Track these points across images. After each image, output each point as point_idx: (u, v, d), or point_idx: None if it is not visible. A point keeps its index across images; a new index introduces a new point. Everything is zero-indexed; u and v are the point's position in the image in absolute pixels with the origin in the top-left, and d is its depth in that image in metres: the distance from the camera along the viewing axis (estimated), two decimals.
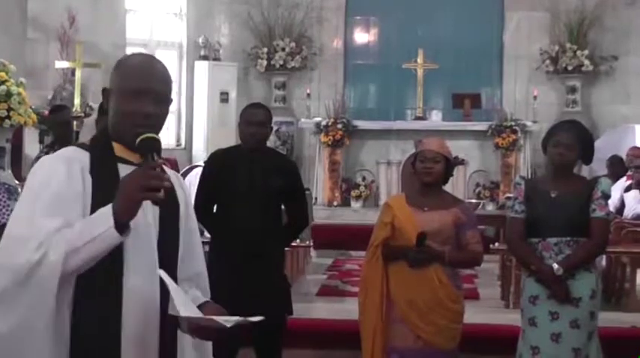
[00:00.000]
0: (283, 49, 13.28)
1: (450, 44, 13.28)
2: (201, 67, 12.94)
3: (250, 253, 4.64)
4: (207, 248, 4.47)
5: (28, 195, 2.36)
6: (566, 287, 4.31)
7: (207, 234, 5.00)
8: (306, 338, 6.04)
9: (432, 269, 4.39)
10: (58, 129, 7.16)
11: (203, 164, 5.69)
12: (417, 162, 4.53)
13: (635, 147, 9.70)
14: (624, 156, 9.47)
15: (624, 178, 8.78)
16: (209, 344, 2.59)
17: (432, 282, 4.39)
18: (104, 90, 2.50)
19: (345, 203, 12.32)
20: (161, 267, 2.37)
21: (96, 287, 2.29)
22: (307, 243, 8.36)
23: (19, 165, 8.88)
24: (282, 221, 4.98)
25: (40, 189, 2.32)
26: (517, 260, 5.56)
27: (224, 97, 12.89)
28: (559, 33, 13.09)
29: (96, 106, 8.99)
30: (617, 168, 9.33)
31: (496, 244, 7.72)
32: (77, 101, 10.22)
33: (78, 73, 10.41)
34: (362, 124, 12.48)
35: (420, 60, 12.62)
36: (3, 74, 7.05)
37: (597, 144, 5.20)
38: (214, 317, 2.30)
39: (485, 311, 6.96)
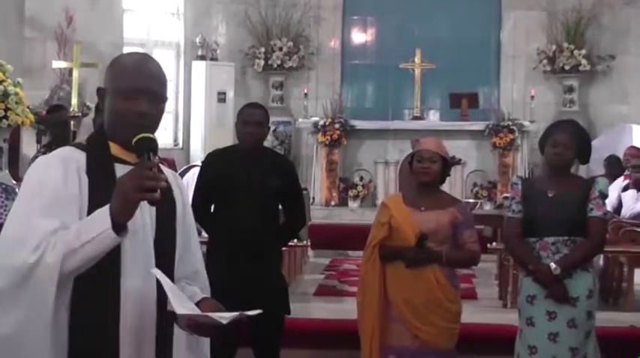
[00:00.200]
0: (281, 49, 13.27)
1: (447, 44, 13.27)
2: (199, 67, 12.93)
3: (248, 253, 4.64)
4: (204, 248, 4.47)
5: (25, 195, 2.35)
6: (564, 286, 4.32)
7: (204, 234, 5.00)
8: (303, 338, 6.04)
9: (429, 269, 4.39)
10: (55, 129, 7.16)
11: (200, 164, 5.68)
12: (414, 162, 4.53)
13: (633, 147, 9.71)
14: (622, 156, 9.47)
15: (622, 178, 8.79)
16: (207, 345, 2.59)
17: (429, 282, 4.39)
18: (99, 90, 2.49)
19: (343, 203, 12.31)
20: (158, 266, 2.36)
21: (94, 288, 2.29)
22: (305, 242, 8.36)
23: (16, 166, 8.87)
24: (280, 221, 4.98)
25: (37, 189, 2.32)
26: (514, 259, 5.56)
27: (221, 97, 12.89)
28: (556, 32, 13.09)
29: (93, 106, 9.00)
30: (614, 167, 9.33)
31: (494, 244, 7.72)
32: (74, 101, 10.19)
33: (75, 73, 10.39)
34: (359, 124, 12.47)
35: (417, 59, 12.62)
36: (0, 74, 7.04)
37: (595, 143, 5.20)
38: (210, 314, 2.30)
39: (482, 311, 6.97)
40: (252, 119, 4.77)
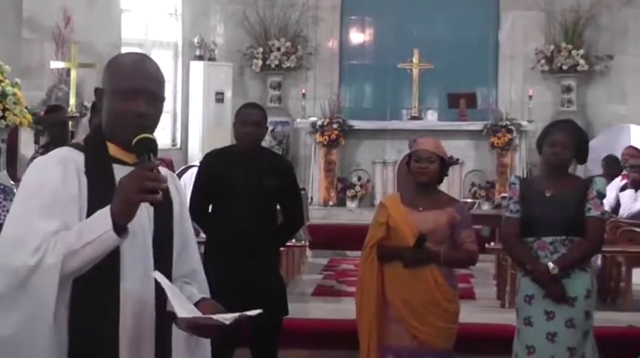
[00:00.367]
0: (279, 49, 13.27)
1: (445, 44, 13.28)
2: (197, 67, 12.93)
3: (246, 253, 4.64)
4: (202, 248, 4.47)
5: (24, 195, 2.35)
6: (562, 286, 4.32)
7: (202, 235, 4.99)
8: (302, 338, 6.04)
9: (427, 269, 4.39)
10: (53, 129, 7.15)
11: (198, 164, 5.68)
12: (412, 162, 4.53)
13: (631, 147, 9.71)
14: (619, 156, 9.48)
15: (619, 178, 8.79)
16: (206, 346, 2.59)
17: (427, 282, 4.39)
18: (97, 90, 2.48)
19: (341, 203, 12.30)
20: (156, 268, 2.36)
21: (93, 289, 2.28)
22: (303, 242, 8.36)
23: (14, 166, 8.86)
24: (278, 221, 4.98)
25: (36, 189, 2.31)
26: (512, 259, 5.57)
27: (219, 97, 12.88)
28: (554, 32, 13.09)
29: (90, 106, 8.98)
30: (612, 167, 9.33)
31: (492, 244, 7.73)
32: (72, 101, 10.17)
33: (73, 73, 10.37)
34: (357, 124, 12.46)
35: (415, 60, 12.62)
36: None
37: (592, 143, 5.21)
38: (212, 316, 2.30)
39: (480, 311, 6.97)
40: (249, 119, 4.77)
